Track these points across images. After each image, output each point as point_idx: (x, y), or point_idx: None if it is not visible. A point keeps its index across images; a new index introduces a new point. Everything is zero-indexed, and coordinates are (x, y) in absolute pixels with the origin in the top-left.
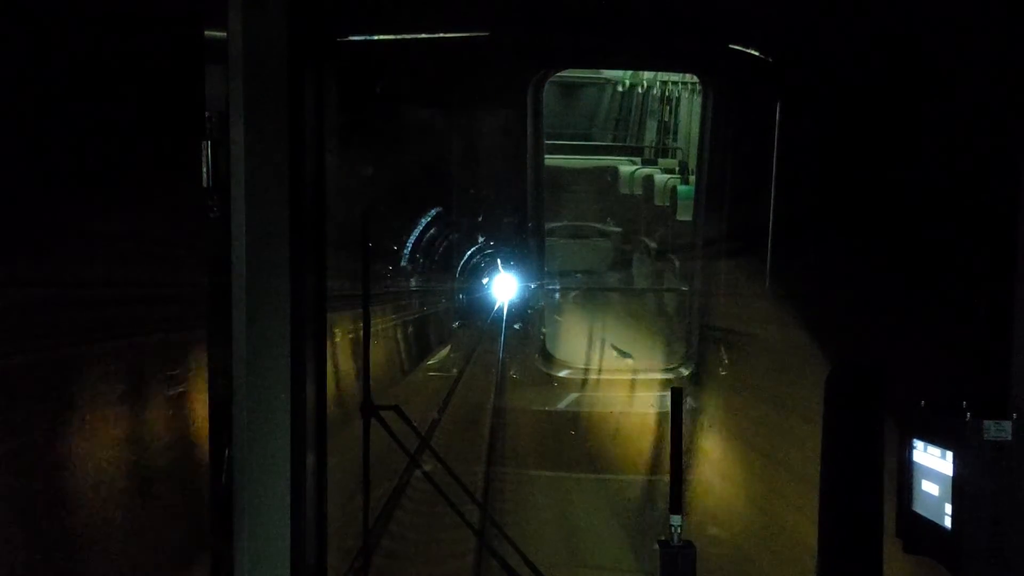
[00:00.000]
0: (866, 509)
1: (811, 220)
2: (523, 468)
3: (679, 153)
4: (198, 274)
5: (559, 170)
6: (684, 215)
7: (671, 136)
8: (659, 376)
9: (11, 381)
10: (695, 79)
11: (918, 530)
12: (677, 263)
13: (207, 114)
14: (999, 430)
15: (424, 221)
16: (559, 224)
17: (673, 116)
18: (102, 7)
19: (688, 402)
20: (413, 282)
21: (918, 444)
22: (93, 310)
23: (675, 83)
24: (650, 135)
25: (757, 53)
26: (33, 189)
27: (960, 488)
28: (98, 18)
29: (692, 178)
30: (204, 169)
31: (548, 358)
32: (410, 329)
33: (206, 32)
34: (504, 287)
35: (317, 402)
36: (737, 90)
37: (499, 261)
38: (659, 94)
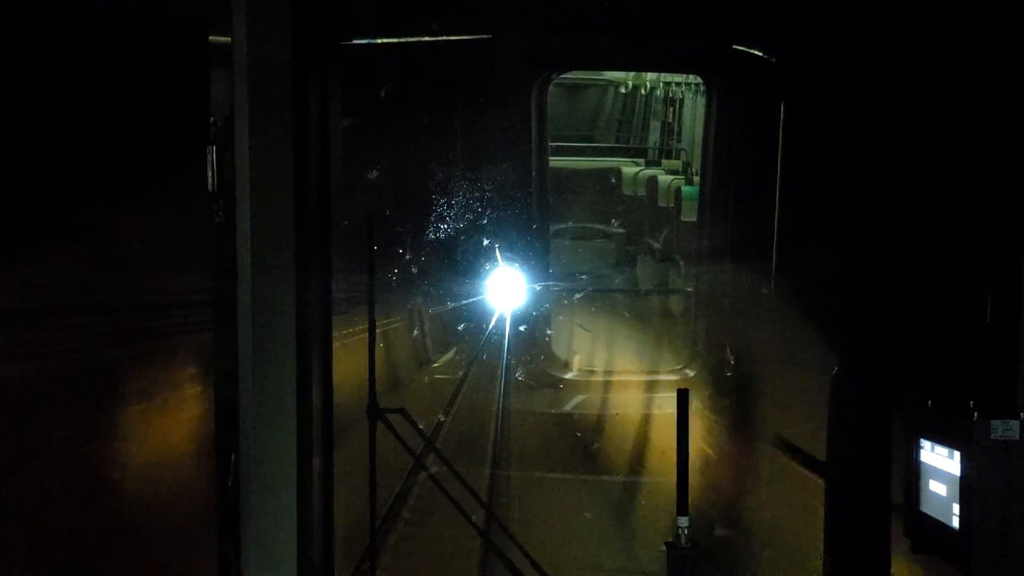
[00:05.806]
0: (873, 509)
1: (816, 220)
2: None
3: (683, 154)
4: (204, 279)
5: (562, 172)
6: (689, 216)
7: (674, 137)
8: (664, 377)
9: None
10: (698, 80)
11: (926, 530)
12: (682, 264)
13: (212, 119)
14: (1007, 429)
15: (426, 223)
16: (562, 226)
17: (676, 117)
18: (106, 12)
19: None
20: (415, 284)
21: (925, 444)
22: (95, 314)
23: (678, 84)
24: (653, 136)
25: (761, 54)
26: (34, 192)
27: (968, 488)
28: (102, 23)
29: (696, 179)
30: (209, 174)
31: (553, 360)
32: (415, 331)
33: (211, 38)
34: (507, 289)
35: (323, 405)
36: (741, 91)
37: (502, 263)
38: (662, 95)
